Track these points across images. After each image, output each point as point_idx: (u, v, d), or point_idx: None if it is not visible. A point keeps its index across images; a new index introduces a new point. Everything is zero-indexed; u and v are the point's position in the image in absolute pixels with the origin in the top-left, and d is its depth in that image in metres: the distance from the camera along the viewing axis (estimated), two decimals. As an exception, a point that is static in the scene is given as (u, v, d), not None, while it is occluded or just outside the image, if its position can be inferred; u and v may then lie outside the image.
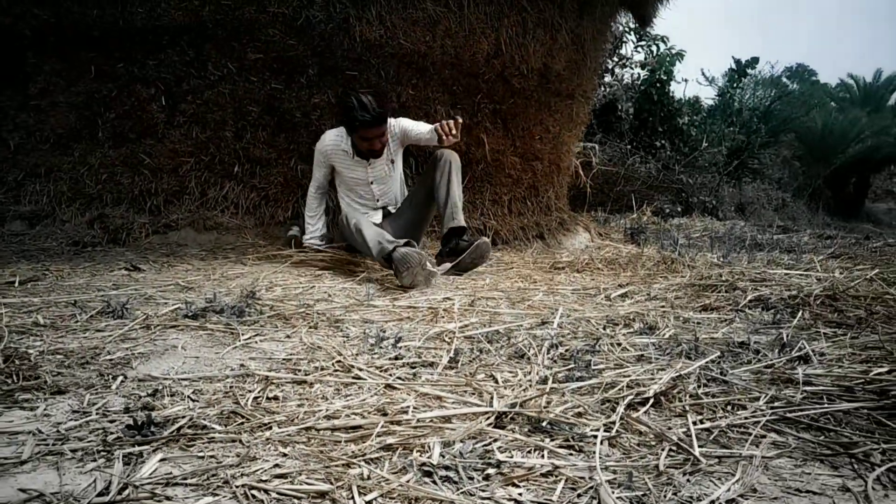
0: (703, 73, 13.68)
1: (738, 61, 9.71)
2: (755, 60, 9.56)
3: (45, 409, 1.13)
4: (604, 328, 1.76)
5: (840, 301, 2.06)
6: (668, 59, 9.42)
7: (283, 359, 1.42)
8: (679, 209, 8.21)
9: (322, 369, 1.32)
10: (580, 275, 3.21)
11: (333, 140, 3.21)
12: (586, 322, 1.82)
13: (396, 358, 1.39)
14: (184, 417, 1.06)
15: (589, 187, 7.09)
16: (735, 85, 9.21)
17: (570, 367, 1.33)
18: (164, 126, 3.53)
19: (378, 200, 3.33)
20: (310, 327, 1.73)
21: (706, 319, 1.92)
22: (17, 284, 2.36)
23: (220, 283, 2.51)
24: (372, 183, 3.28)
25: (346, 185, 3.32)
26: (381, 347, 1.46)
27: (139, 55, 3.42)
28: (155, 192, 3.56)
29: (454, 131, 2.84)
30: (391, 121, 3.16)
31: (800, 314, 1.87)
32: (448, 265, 2.89)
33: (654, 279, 2.92)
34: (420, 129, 3.15)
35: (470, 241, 2.86)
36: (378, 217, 3.31)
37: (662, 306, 2.09)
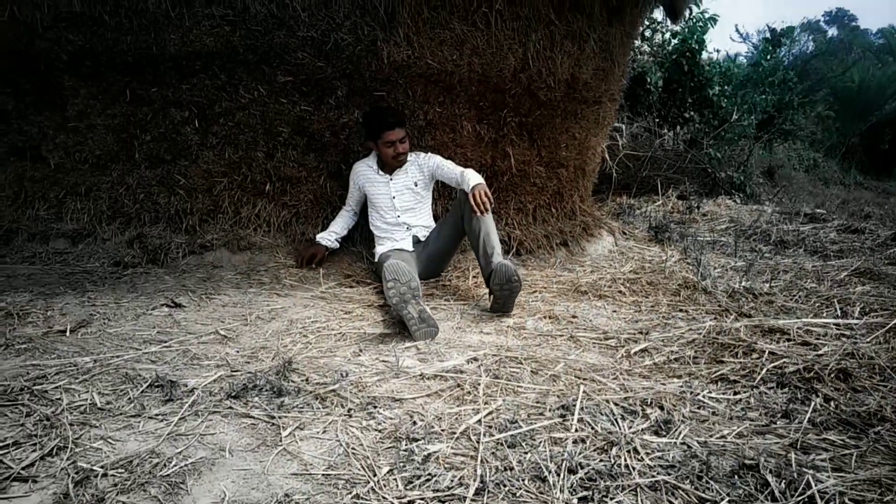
0: (736, 30, 13.33)
1: (773, 30, 9.44)
2: (791, 30, 9.27)
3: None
4: (622, 418, 1.86)
5: (856, 379, 2.13)
6: (700, 25, 9.18)
7: (323, 474, 1.54)
8: (706, 190, 8.16)
9: (358, 497, 1.44)
10: (602, 303, 3.29)
11: (361, 164, 3.56)
12: (606, 409, 1.92)
13: (427, 479, 1.50)
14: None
15: (615, 171, 7.10)
16: (769, 57, 8.96)
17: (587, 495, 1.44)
18: (197, 147, 3.62)
19: (400, 216, 3.45)
20: (345, 415, 1.85)
21: (721, 402, 2.01)
22: (67, 334, 2.51)
23: (257, 330, 2.63)
24: (394, 197, 3.46)
25: (374, 205, 3.53)
26: (410, 461, 1.58)
27: (173, 80, 3.49)
28: (190, 211, 3.68)
29: (487, 205, 2.98)
30: (425, 154, 3.52)
31: (812, 405, 1.95)
32: (491, 298, 2.99)
33: (674, 318, 2.99)
34: (451, 169, 3.35)
35: (495, 267, 2.93)
36: (408, 244, 3.43)
37: (680, 382, 2.17)
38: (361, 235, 3.87)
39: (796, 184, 14.53)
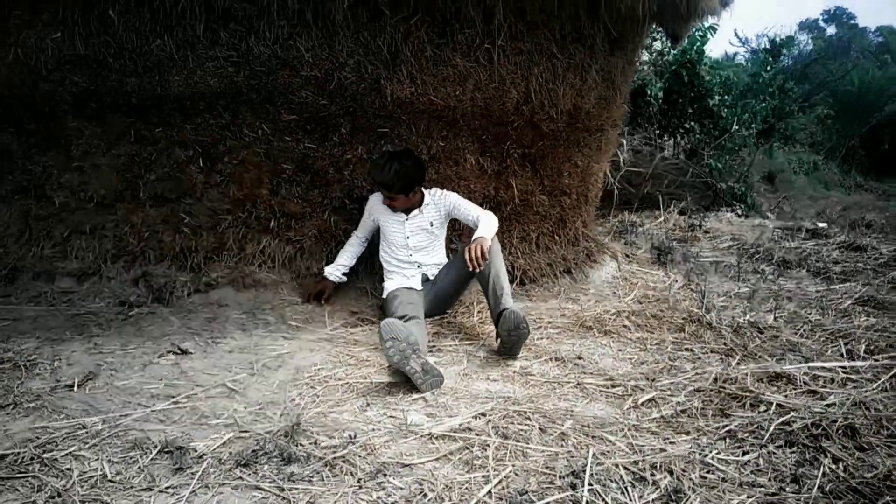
0: (735, 34, 13.29)
1: (772, 41, 9.44)
2: (790, 40, 9.27)
3: None
4: (632, 486, 1.86)
5: (863, 436, 2.14)
6: (699, 35, 9.18)
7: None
8: (707, 203, 8.16)
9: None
10: (607, 339, 3.30)
11: (377, 196, 3.52)
12: (616, 476, 1.93)
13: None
14: None
15: (616, 188, 7.09)
16: (769, 68, 8.96)
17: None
18: (202, 186, 3.62)
19: (412, 255, 3.46)
20: (355, 486, 1.86)
21: (730, 464, 2.01)
22: (75, 388, 2.51)
23: (264, 381, 2.64)
24: (408, 237, 3.46)
25: (386, 239, 3.54)
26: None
27: (177, 120, 3.50)
28: (195, 249, 3.69)
29: (480, 262, 2.97)
30: (442, 192, 3.52)
31: (821, 468, 1.95)
32: (499, 341, 3.00)
33: (679, 358, 3.00)
34: (468, 211, 3.39)
35: (504, 313, 2.94)
36: (417, 282, 3.44)
37: (688, 440, 2.18)
38: (366, 270, 3.88)
39: (797, 188, 14.54)
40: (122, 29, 3.26)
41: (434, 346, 3.09)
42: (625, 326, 3.51)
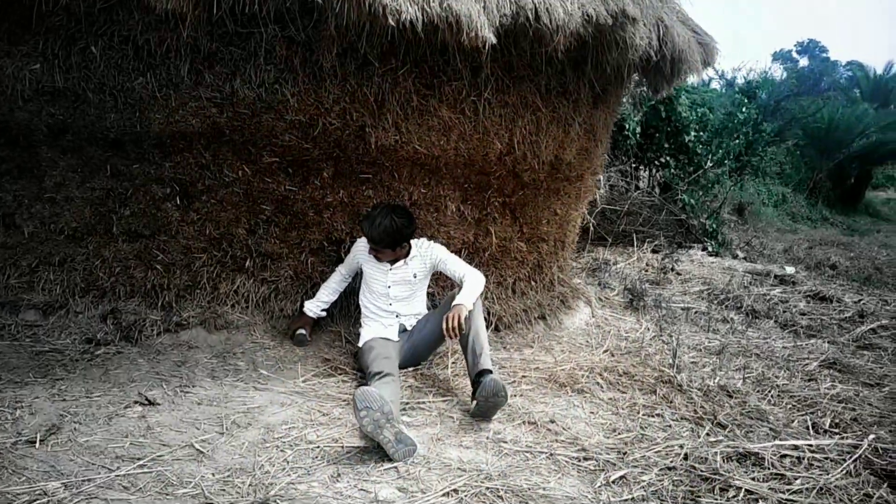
0: (713, 69, 13.56)
1: (749, 82, 9.65)
2: (767, 82, 9.47)
3: None
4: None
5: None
6: (678, 72, 9.31)
7: None
8: (679, 240, 8.27)
9: None
10: (580, 399, 3.31)
11: (364, 242, 3.49)
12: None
13: None
14: None
15: (592, 226, 7.16)
16: (744, 109, 9.14)
17: None
18: (178, 223, 3.57)
19: (392, 304, 3.44)
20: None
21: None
22: (37, 445, 2.44)
23: (233, 441, 2.59)
24: (390, 287, 3.45)
25: (368, 285, 3.53)
26: None
27: (156, 157, 3.44)
28: (167, 286, 3.62)
29: (457, 332, 3.02)
30: (429, 243, 3.52)
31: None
32: (475, 404, 2.99)
33: (650, 425, 3.02)
34: (455, 268, 3.40)
35: (484, 380, 2.93)
36: (394, 332, 3.43)
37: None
38: (341, 313, 3.85)
39: (765, 220, 14.82)
40: (103, 65, 3.20)
41: (407, 405, 3.07)
42: (597, 384, 3.53)
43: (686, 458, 2.69)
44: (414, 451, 2.55)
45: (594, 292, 5.27)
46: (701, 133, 10.02)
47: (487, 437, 2.81)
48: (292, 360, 3.48)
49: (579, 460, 2.66)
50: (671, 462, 2.66)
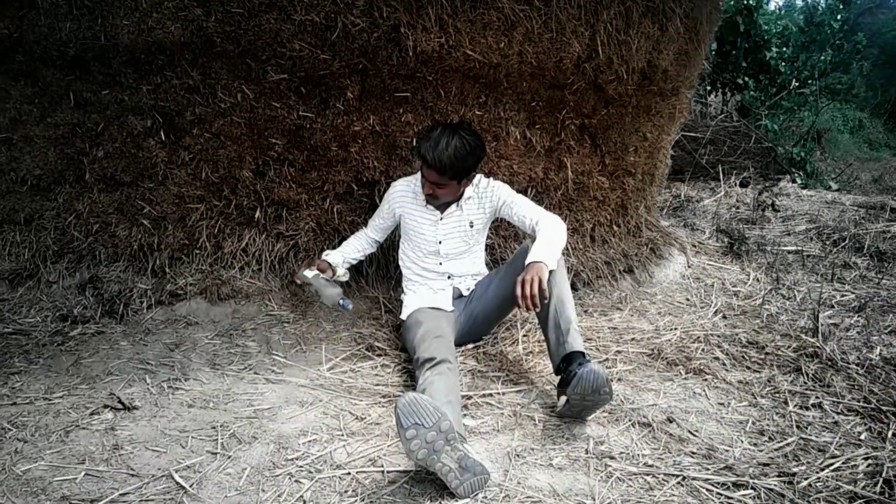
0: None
1: (841, -12, 8.34)
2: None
3: None
4: None
5: None
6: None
7: None
8: (764, 170, 7.22)
9: None
10: (701, 385, 2.46)
11: (403, 184, 2.65)
12: None
13: None
14: None
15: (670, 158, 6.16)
16: (839, 17, 7.87)
17: None
18: (165, 165, 2.78)
19: (443, 264, 2.61)
20: None
21: None
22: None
23: (228, 467, 1.83)
24: (441, 242, 2.60)
25: (411, 241, 2.66)
26: None
27: (129, 79, 2.64)
28: (158, 247, 2.87)
29: (536, 301, 2.10)
30: (488, 181, 2.60)
31: None
32: (564, 400, 2.14)
33: (812, 425, 2.16)
34: (523, 212, 2.49)
35: (580, 371, 2.07)
36: (447, 298, 2.60)
37: None
38: (378, 274, 3.05)
39: (843, 148, 13.49)
40: (46, -47, 2.38)
41: (469, 400, 2.26)
42: (718, 360, 2.67)
43: (883, 481, 1.82)
44: (486, 480, 1.74)
45: (688, 241, 4.34)
46: (784, 49, 8.78)
47: (586, 450, 1.99)
48: (317, 337, 2.70)
49: (727, 487, 1.82)
50: (864, 489, 1.80)
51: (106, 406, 2.12)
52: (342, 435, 2.01)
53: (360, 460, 1.88)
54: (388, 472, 1.83)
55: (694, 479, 1.84)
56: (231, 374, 2.37)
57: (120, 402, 2.13)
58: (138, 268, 2.86)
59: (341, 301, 2.48)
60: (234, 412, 2.12)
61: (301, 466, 1.84)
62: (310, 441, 1.97)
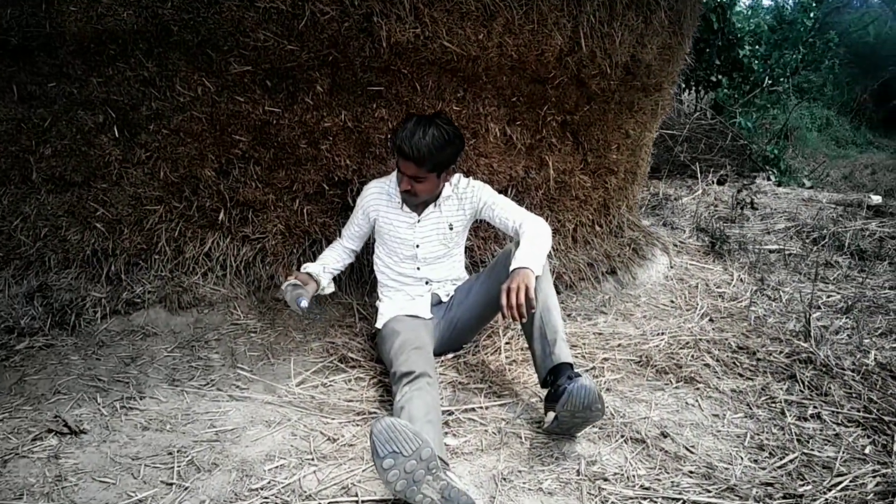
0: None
1: (817, -12, 8.33)
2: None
3: None
4: None
5: None
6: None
7: None
8: (738, 168, 7.19)
9: None
10: (693, 395, 2.33)
11: (377, 186, 2.47)
12: None
13: None
14: None
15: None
16: (811, 14, 7.86)
17: None
18: (119, 164, 2.58)
19: (420, 269, 2.45)
20: None
21: None
22: None
23: (186, 496, 1.65)
24: (418, 246, 2.44)
25: (386, 244, 2.49)
26: None
27: (78, 71, 2.43)
28: (113, 252, 2.66)
29: (523, 311, 1.95)
30: (468, 181, 2.44)
31: None
32: (552, 416, 1.98)
33: (813, 438, 2.05)
34: (506, 214, 2.34)
35: (570, 386, 1.91)
36: (425, 305, 2.43)
37: None
38: (350, 279, 2.88)
39: (811, 146, 13.61)
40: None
41: (450, 416, 2.11)
42: (708, 367, 2.55)
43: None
44: (471, 511, 1.59)
45: (670, 241, 4.23)
46: (757, 47, 8.77)
47: (578, 471, 1.84)
48: (286, 347, 2.52)
49: (730, 511, 1.69)
50: (876, 510, 1.68)
51: (50, 430, 1.92)
52: (312, 459, 1.84)
53: (332, 488, 1.71)
54: (362, 501, 1.67)
55: (695, 502, 1.71)
56: (191, 391, 2.18)
57: (66, 425, 1.94)
58: (91, 275, 2.64)
59: (298, 300, 2.26)
60: (193, 435, 1.94)
61: (266, 498, 1.66)
62: (276, 467, 1.80)
